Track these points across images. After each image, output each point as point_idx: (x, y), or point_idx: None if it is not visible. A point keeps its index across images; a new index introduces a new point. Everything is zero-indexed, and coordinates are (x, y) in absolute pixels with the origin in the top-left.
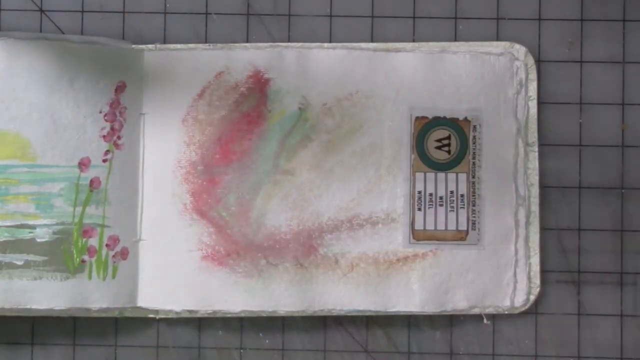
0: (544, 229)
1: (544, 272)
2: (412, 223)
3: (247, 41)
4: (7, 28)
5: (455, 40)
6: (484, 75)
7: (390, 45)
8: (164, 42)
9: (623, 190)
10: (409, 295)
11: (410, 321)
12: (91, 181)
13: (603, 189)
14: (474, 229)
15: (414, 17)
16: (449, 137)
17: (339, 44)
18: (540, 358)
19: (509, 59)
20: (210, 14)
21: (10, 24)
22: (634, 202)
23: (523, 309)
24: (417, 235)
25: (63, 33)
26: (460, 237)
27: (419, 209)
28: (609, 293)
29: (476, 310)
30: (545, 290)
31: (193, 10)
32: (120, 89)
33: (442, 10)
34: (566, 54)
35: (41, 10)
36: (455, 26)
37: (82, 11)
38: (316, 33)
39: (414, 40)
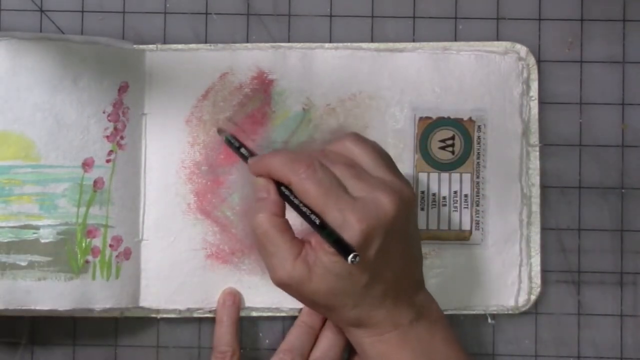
0: (544, 229)
1: (544, 272)
2: None
3: (248, 41)
4: (8, 28)
5: (455, 40)
6: (489, 75)
7: (392, 45)
8: (164, 42)
9: (623, 190)
10: None
11: None
12: (95, 181)
13: (603, 189)
14: (478, 229)
15: (414, 17)
16: (453, 138)
17: (341, 44)
18: (540, 358)
19: (514, 59)
20: (210, 14)
21: (11, 24)
22: (634, 202)
23: (524, 308)
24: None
25: (63, 33)
26: (463, 237)
27: (422, 209)
28: (609, 293)
29: (479, 310)
30: (546, 290)
31: (193, 10)
32: (123, 89)
33: (442, 10)
34: (566, 54)
35: (41, 10)
36: (455, 26)
37: (82, 11)
38: (316, 33)
39: (414, 40)
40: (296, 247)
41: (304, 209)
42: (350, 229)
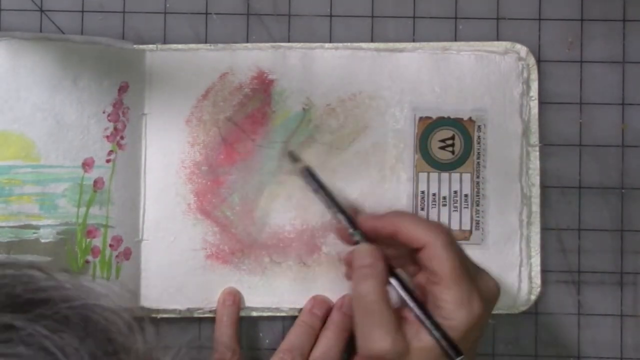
0: (544, 229)
1: (544, 272)
2: None
3: (248, 41)
4: (8, 28)
5: (455, 40)
6: (489, 75)
7: (392, 45)
8: (164, 42)
9: (623, 190)
10: None
11: None
12: (95, 181)
13: (603, 189)
14: (478, 229)
15: (414, 17)
16: (452, 137)
17: (341, 44)
18: (540, 358)
19: (514, 59)
20: (210, 14)
21: (11, 24)
22: (634, 202)
23: (524, 308)
24: None
25: (63, 33)
26: (463, 236)
27: (422, 209)
28: (609, 293)
29: None
30: (546, 290)
31: (193, 10)
32: (123, 89)
33: (442, 10)
34: (566, 54)
35: (41, 10)
36: (455, 26)
37: (82, 11)
38: (316, 33)
39: (414, 40)
40: (396, 320)
41: (410, 298)
42: (477, 307)
